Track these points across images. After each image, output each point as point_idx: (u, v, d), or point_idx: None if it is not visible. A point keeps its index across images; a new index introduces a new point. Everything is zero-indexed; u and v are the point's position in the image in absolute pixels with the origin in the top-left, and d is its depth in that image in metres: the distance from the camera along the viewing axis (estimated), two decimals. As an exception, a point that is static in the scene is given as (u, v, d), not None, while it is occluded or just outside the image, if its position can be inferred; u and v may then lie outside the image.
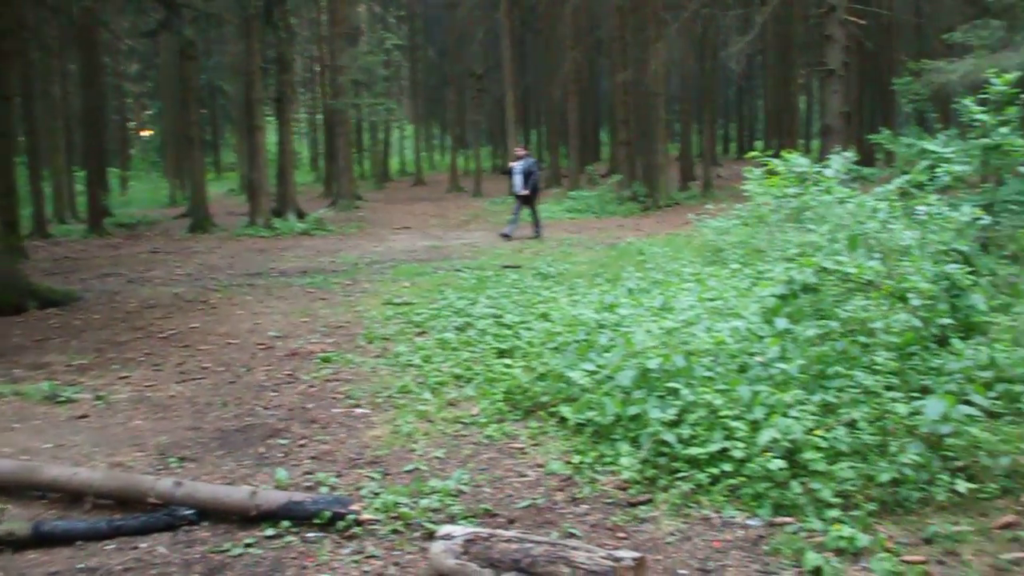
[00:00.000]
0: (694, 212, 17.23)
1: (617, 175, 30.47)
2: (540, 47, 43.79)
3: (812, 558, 4.16)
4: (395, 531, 4.74)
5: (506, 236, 19.35)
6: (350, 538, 4.68)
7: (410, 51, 47.42)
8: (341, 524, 4.75)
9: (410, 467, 5.70)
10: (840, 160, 11.07)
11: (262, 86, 24.50)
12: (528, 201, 19.82)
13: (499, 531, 4.33)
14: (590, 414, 5.90)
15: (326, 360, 8.55)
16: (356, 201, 30.54)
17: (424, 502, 5.04)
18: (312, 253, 18.14)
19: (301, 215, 25.12)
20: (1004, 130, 10.38)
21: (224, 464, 5.93)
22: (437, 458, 5.87)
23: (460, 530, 4.30)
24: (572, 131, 34.74)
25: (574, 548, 3.99)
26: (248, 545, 4.63)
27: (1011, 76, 10.01)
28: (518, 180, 19.88)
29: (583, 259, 14.97)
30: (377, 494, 5.19)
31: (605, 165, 42.24)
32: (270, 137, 27.34)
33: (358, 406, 7.15)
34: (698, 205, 18.18)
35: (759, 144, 44.99)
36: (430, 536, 4.50)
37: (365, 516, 4.83)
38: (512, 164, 20.59)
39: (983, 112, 10.18)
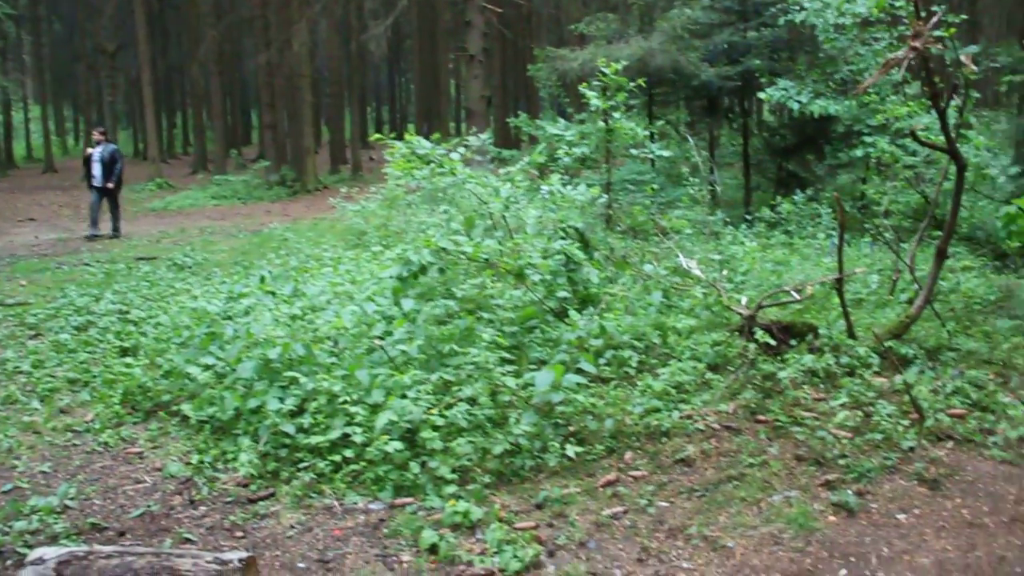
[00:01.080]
0: (342, 196, 17.12)
1: (265, 159, 29.69)
2: (180, 24, 41.60)
3: (428, 536, 4.23)
4: (-17, 562, 4.25)
5: (94, 236, 16.81)
6: (-76, 583, 4.14)
7: (31, 23, 43.11)
8: (-90, 570, 4.19)
9: (8, 487, 5.15)
10: (475, 141, 11.45)
11: None
12: (110, 193, 17.15)
13: (99, 547, 3.99)
14: (211, 410, 5.65)
15: (-89, 377, 7.53)
16: (-29, 192, 27.44)
17: (20, 524, 4.55)
18: (-90, 253, 15.99)
19: (-101, 209, 22.11)
20: (617, 115, 11.25)
21: None
22: (42, 473, 5.35)
23: (53, 552, 3.92)
24: (216, 114, 33.39)
25: (179, 556, 3.77)
26: None
27: (618, 65, 10.84)
28: (97, 170, 17.02)
29: (224, 247, 14.42)
30: (-38, 526, 4.63)
31: (255, 149, 41.05)
32: None
33: (-52, 426, 6.36)
34: (347, 188, 18.05)
35: (411, 127, 45.81)
36: (22, 563, 4.07)
37: (-56, 554, 4.29)
38: (90, 151, 17.52)
39: (597, 98, 10.96)
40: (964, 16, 11.84)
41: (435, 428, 4.98)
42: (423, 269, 6.23)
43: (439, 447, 4.87)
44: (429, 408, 5.09)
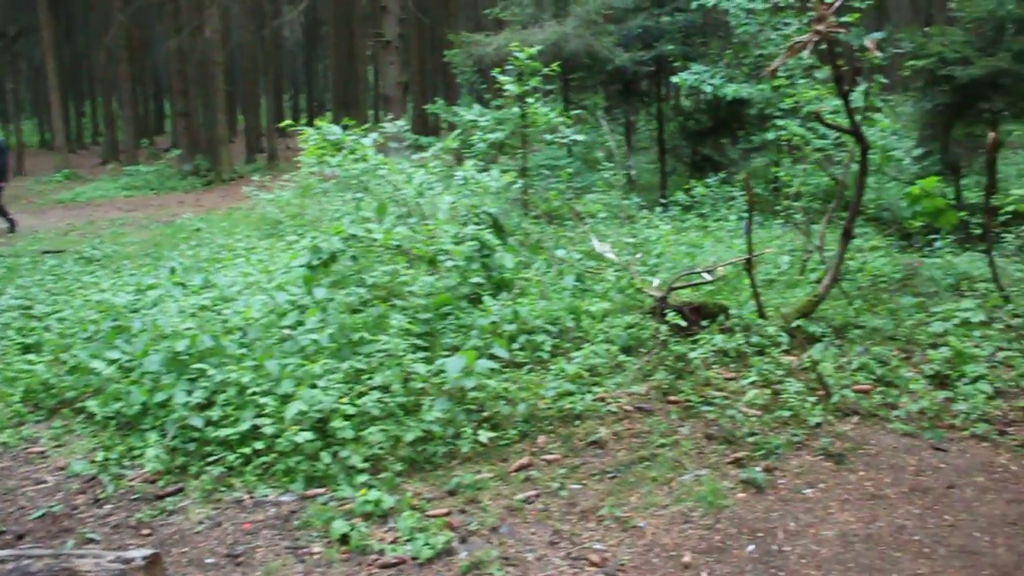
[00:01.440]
0: (255, 185, 16.81)
1: (178, 149, 29.01)
2: (86, 7, 40.31)
3: (339, 526, 4.19)
4: None
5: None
6: None
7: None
8: None
9: (-102, 493, 4.95)
10: (392, 128, 11.35)
11: None
12: None
13: (-6, 551, 3.87)
14: (117, 405, 5.50)
15: None
16: None
17: (-90, 532, 4.39)
18: None
19: None
20: (532, 100, 11.23)
21: None
22: (-65, 477, 5.16)
23: (-55, 558, 3.78)
24: (126, 102, 32.44)
25: (80, 556, 3.66)
26: None
27: (533, 50, 10.81)
28: None
29: (135, 239, 14.07)
30: None
31: (168, 138, 40.09)
32: None
33: None
34: (262, 177, 17.72)
35: (329, 115, 45.27)
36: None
37: None
38: None
39: (512, 83, 10.91)
40: (870, 1, 12.11)
41: (346, 417, 4.93)
42: (333, 257, 6.14)
43: (350, 436, 4.82)
44: (340, 397, 5.03)
